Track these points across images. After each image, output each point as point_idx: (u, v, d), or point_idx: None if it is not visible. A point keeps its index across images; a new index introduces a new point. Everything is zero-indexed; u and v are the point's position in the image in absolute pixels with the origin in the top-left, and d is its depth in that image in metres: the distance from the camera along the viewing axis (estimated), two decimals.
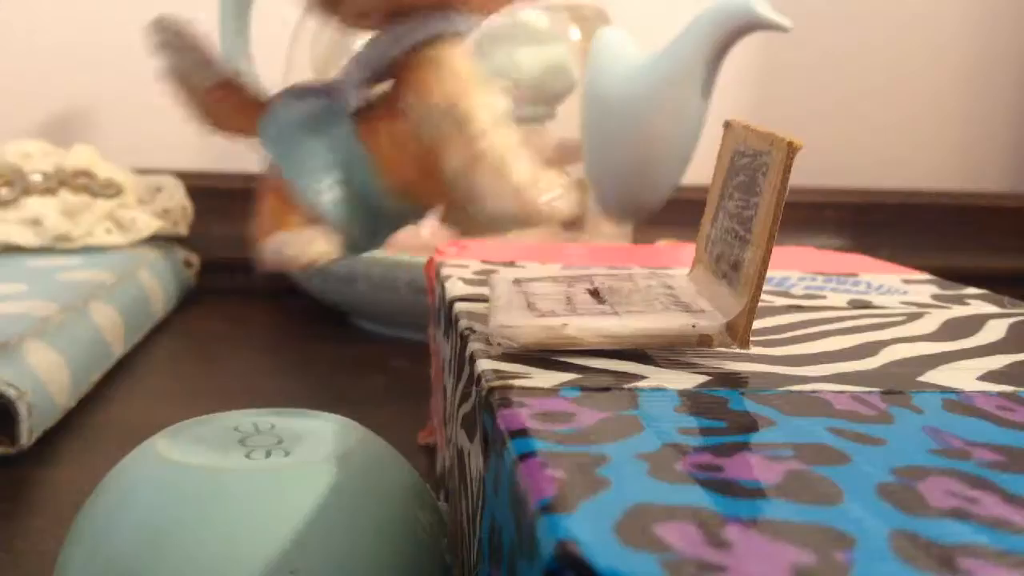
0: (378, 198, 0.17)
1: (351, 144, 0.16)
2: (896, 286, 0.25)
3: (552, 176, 0.15)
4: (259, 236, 0.17)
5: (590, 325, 0.16)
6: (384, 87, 0.17)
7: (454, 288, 0.22)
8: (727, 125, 0.19)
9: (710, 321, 0.16)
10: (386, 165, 0.16)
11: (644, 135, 0.41)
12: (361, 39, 0.17)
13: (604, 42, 0.43)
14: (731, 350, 0.17)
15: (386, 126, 0.16)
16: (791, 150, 0.15)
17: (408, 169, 0.16)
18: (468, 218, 0.17)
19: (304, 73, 0.45)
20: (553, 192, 0.15)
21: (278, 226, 0.16)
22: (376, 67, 0.16)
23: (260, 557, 0.15)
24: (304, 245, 0.16)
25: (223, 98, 0.17)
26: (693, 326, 0.16)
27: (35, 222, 0.47)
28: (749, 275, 0.16)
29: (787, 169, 0.15)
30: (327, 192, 0.16)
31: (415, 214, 0.17)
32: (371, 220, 0.17)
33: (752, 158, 0.17)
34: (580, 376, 0.15)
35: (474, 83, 0.16)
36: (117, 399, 0.35)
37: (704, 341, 0.16)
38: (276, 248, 0.16)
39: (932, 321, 0.21)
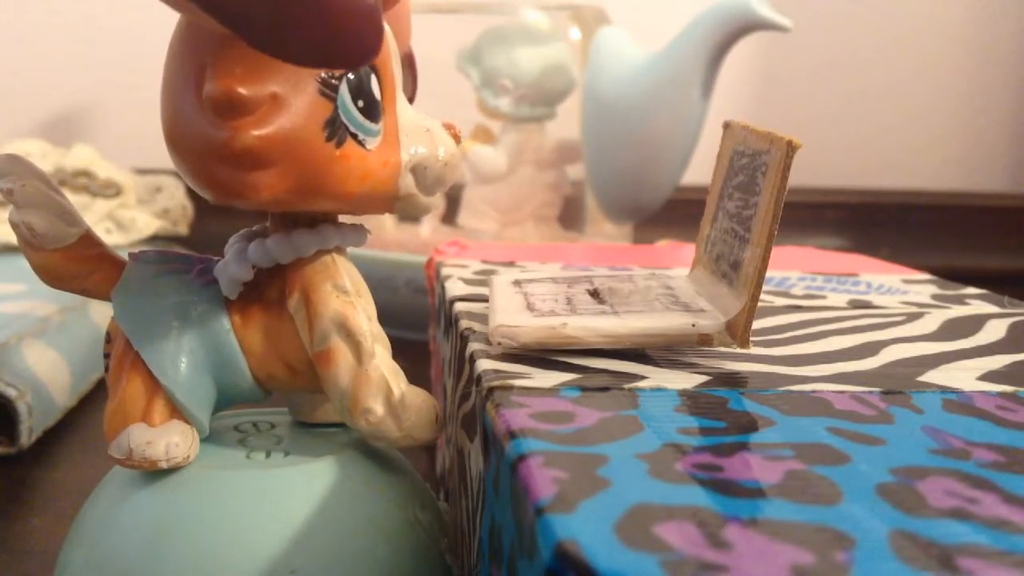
0: (237, 385, 0.17)
1: (222, 331, 0.16)
2: (896, 286, 0.25)
3: (418, 393, 0.16)
4: (112, 423, 0.16)
5: (589, 324, 0.16)
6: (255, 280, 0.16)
7: (454, 288, 0.22)
8: (726, 126, 0.19)
9: (710, 320, 0.16)
10: (254, 356, 0.16)
11: (644, 135, 0.41)
12: None
13: (604, 42, 0.43)
14: (731, 350, 0.17)
15: (261, 320, 0.16)
16: (790, 149, 0.15)
17: (275, 362, 0.16)
18: (313, 410, 0.18)
19: None
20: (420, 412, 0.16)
21: (135, 414, 0.16)
22: (263, 264, 0.16)
23: (260, 557, 0.15)
24: (164, 446, 0.15)
25: (78, 257, 0.16)
26: (693, 325, 0.16)
27: None
28: (749, 274, 0.16)
29: (786, 168, 0.15)
30: (190, 380, 0.16)
31: (260, 398, 0.17)
32: (221, 403, 0.17)
33: (751, 158, 0.17)
34: (580, 376, 0.15)
35: (359, 298, 0.16)
36: None
37: (704, 340, 0.16)
38: (134, 445, 0.15)
39: (932, 321, 0.21)
